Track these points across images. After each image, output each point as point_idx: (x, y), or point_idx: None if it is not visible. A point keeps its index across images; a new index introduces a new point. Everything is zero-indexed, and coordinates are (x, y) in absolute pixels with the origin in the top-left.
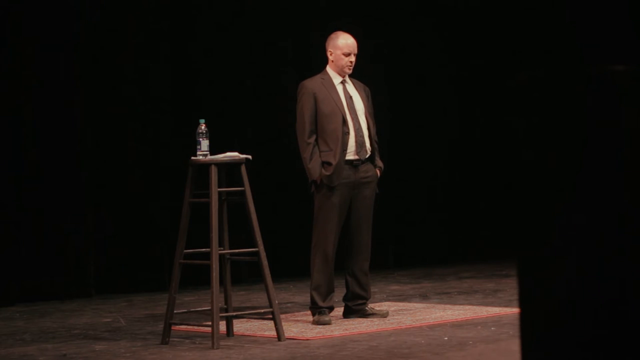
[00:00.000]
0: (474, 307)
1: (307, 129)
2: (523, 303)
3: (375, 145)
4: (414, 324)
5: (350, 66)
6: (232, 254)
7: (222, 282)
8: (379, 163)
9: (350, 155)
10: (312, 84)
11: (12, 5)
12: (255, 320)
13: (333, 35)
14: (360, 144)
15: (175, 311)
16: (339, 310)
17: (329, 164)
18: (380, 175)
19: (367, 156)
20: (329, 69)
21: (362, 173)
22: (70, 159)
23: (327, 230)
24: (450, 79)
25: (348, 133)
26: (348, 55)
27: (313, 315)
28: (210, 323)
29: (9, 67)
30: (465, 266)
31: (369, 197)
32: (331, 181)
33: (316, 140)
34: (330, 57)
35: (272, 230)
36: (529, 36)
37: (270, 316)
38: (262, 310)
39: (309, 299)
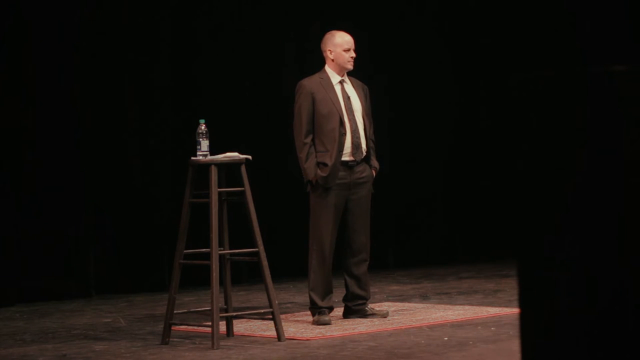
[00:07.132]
0: (474, 307)
1: (304, 129)
2: (523, 303)
3: (372, 145)
4: (414, 324)
5: (352, 61)
6: (232, 254)
7: (222, 282)
8: (375, 163)
9: (346, 156)
10: (310, 83)
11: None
12: (255, 320)
13: (329, 35)
14: (356, 145)
15: (175, 311)
16: (339, 311)
17: (325, 164)
18: (375, 175)
19: (363, 157)
20: (327, 68)
21: (357, 174)
22: (70, 159)
23: (323, 231)
24: (450, 79)
25: (345, 134)
26: (348, 50)
27: (313, 315)
28: (210, 323)
29: (8, 68)
30: (465, 266)
31: (364, 197)
32: (326, 182)
33: (313, 140)
34: (330, 56)
35: (272, 230)
36: (529, 36)
37: (270, 316)
38: (262, 310)
39: (308, 299)
